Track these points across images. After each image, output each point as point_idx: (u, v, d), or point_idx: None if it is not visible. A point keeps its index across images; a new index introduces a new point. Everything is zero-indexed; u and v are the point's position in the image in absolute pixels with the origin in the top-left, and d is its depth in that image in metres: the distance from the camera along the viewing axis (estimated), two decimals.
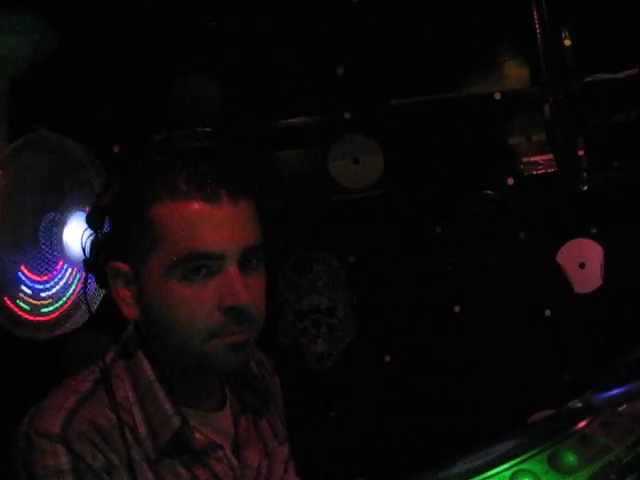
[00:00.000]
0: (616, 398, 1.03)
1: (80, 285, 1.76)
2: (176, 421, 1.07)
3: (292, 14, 2.18)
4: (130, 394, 1.09)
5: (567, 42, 2.11)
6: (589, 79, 2.15)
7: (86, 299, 1.26)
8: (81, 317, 1.75)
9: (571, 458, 0.88)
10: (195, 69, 2.21)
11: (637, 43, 2.12)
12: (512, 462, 0.88)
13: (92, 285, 1.76)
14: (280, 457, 1.25)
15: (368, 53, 2.22)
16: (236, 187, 1.05)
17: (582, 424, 0.93)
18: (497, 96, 2.20)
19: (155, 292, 1.05)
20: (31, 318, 1.75)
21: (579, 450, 0.89)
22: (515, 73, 2.29)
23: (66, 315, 1.74)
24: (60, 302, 1.74)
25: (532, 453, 0.88)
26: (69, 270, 1.76)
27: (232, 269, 1.04)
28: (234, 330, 1.05)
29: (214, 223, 1.03)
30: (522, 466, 0.87)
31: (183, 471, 1.09)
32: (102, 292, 1.74)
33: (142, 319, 1.09)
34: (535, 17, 2.12)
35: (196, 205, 1.03)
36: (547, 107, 2.11)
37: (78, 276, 1.76)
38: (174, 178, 1.04)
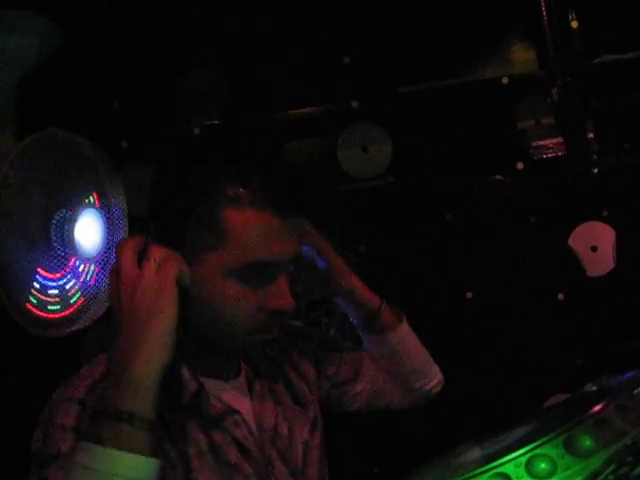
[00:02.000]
0: (631, 381, 1.03)
1: (93, 281, 1.77)
2: (193, 386, 1.16)
3: (298, 2, 2.18)
4: None
5: (574, 24, 2.10)
6: (597, 61, 2.13)
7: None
8: (94, 313, 1.76)
9: (587, 442, 0.88)
10: (201, 62, 2.21)
11: None
12: (528, 447, 0.88)
13: (105, 280, 1.77)
14: (302, 420, 1.31)
15: (374, 41, 2.21)
16: (300, 202, 1.14)
17: (597, 408, 0.93)
18: (505, 80, 2.19)
19: (209, 286, 1.11)
20: (43, 315, 1.76)
21: (595, 434, 0.89)
22: (522, 57, 2.28)
23: (77, 313, 1.75)
24: (73, 299, 1.75)
25: (548, 438, 0.88)
26: (81, 267, 1.77)
27: (283, 276, 1.13)
28: (271, 328, 1.15)
29: (280, 235, 1.11)
30: (538, 451, 0.87)
31: (201, 435, 1.15)
32: None
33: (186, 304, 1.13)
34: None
35: (268, 216, 1.09)
36: (555, 90, 2.10)
37: (90, 272, 1.77)
38: (251, 186, 1.09)
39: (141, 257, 1.04)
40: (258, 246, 1.09)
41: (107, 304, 1.80)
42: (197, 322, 1.13)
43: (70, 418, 1.09)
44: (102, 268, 1.78)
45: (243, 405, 1.23)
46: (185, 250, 1.09)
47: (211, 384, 1.20)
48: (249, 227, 1.09)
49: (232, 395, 1.22)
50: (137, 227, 1.72)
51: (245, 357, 1.26)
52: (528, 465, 0.86)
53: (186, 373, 1.17)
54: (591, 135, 2.07)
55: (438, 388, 1.57)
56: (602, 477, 0.85)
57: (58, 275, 1.75)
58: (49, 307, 1.70)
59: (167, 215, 1.14)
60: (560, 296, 2.23)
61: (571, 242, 2.20)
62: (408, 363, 1.50)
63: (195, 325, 1.13)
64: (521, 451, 0.87)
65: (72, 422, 1.08)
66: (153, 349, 1.00)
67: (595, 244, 2.19)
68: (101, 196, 1.78)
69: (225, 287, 1.11)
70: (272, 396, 1.28)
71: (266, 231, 1.10)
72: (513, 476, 0.86)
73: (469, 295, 2.26)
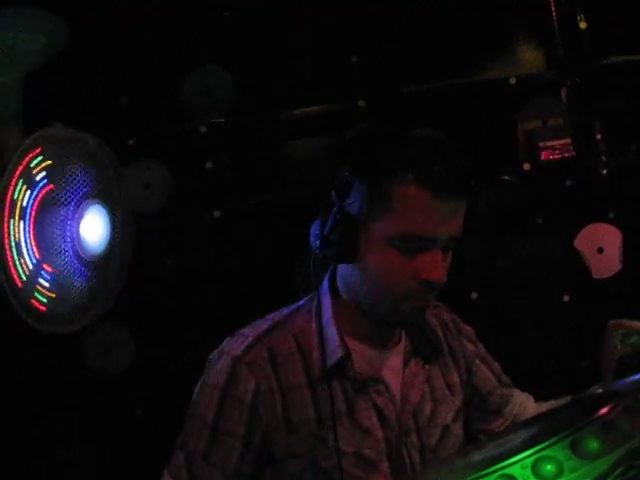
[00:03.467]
0: (638, 384, 1.02)
1: (97, 278, 1.77)
2: (340, 351, 1.28)
3: (306, 1, 2.18)
4: (313, 325, 1.31)
5: (583, 25, 2.09)
6: (605, 62, 2.13)
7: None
8: (101, 309, 1.76)
9: (594, 444, 0.87)
10: (208, 59, 2.21)
11: None
12: (535, 449, 0.87)
13: (110, 277, 1.77)
14: (449, 405, 1.40)
15: (382, 40, 2.21)
16: (464, 187, 1.25)
17: (604, 410, 0.92)
18: (512, 81, 2.19)
19: (371, 251, 1.24)
20: (49, 311, 1.76)
21: (602, 436, 0.88)
22: (530, 57, 2.27)
23: (84, 308, 1.75)
24: (78, 296, 1.75)
25: (555, 440, 0.88)
26: (86, 263, 1.77)
27: (438, 251, 1.24)
28: (422, 297, 1.26)
29: (438, 215, 1.21)
30: (545, 453, 0.87)
31: (340, 397, 1.28)
32: (120, 283, 1.75)
33: (353, 267, 1.27)
34: (550, 0, 2.09)
35: (433, 197, 1.21)
36: (564, 91, 2.09)
37: (95, 269, 1.76)
38: (426, 167, 1.21)
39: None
40: (416, 220, 1.21)
41: (111, 301, 1.80)
42: (360, 284, 1.27)
43: (220, 377, 1.26)
44: (106, 264, 1.78)
45: (393, 376, 1.33)
46: (357, 217, 1.23)
47: (365, 350, 1.31)
48: (410, 203, 1.21)
49: (384, 364, 1.33)
50: (144, 225, 1.72)
51: (400, 326, 1.35)
52: (534, 467, 0.86)
53: (336, 339, 1.29)
54: (599, 136, 2.07)
55: None
56: (610, 479, 0.85)
57: (64, 272, 1.75)
58: (54, 303, 1.70)
59: (347, 186, 1.25)
60: (565, 298, 2.22)
61: (577, 244, 2.19)
62: None
63: (358, 286, 1.27)
64: (527, 452, 0.87)
65: (219, 382, 1.26)
66: None
67: (601, 246, 2.19)
68: (107, 193, 1.78)
69: (385, 254, 1.23)
70: (425, 375, 1.37)
71: (424, 208, 1.21)
72: (519, 477, 0.86)
73: (474, 295, 2.25)
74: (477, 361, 1.52)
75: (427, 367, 1.38)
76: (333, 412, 1.25)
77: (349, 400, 1.29)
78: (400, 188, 1.21)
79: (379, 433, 1.29)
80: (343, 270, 1.31)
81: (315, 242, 1.27)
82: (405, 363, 1.36)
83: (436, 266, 1.24)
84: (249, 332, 1.32)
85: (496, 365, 1.57)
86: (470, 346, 1.52)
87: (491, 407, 1.52)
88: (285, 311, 1.36)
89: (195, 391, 1.32)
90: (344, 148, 1.30)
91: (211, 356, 1.33)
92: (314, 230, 1.28)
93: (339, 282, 1.33)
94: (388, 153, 1.24)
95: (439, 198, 1.21)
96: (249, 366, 1.26)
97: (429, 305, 1.30)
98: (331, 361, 1.28)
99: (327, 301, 1.33)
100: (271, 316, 1.36)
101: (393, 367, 1.35)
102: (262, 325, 1.33)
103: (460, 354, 1.48)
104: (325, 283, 1.36)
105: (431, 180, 1.21)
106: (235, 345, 1.30)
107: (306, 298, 1.38)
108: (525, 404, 1.57)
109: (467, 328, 1.55)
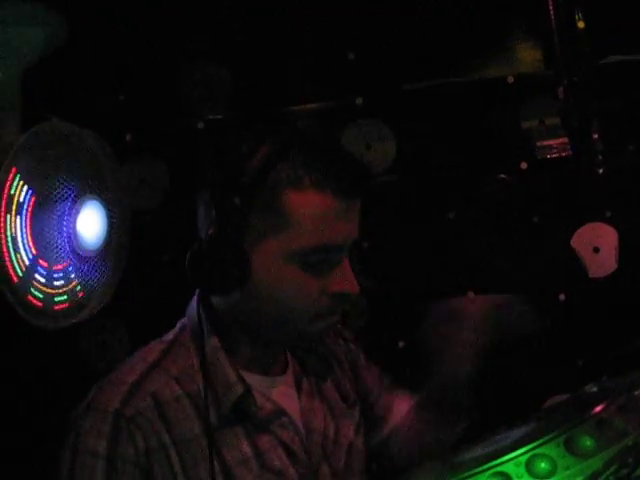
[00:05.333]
0: (633, 383, 1.03)
1: (94, 274, 1.77)
2: (239, 388, 1.11)
3: None
4: (195, 362, 1.12)
5: (581, 24, 2.09)
6: (603, 61, 2.13)
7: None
8: (97, 305, 1.75)
9: (588, 442, 0.87)
10: (206, 55, 2.20)
11: None
12: (528, 446, 0.87)
13: (107, 273, 1.77)
14: (349, 420, 1.27)
15: (379, 38, 2.20)
16: (364, 184, 1.11)
17: (598, 408, 0.93)
18: (510, 80, 2.19)
19: (270, 272, 1.08)
20: (45, 307, 1.76)
21: (596, 434, 0.88)
22: (528, 56, 2.27)
23: (79, 304, 1.75)
24: (74, 292, 1.75)
25: (548, 437, 0.88)
26: (83, 259, 1.77)
27: (346, 259, 1.11)
28: (334, 312, 1.12)
29: (342, 217, 1.08)
30: (538, 450, 0.87)
31: (245, 440, 1.11)
32: (117, 279, 1.75)
33: (241, 292, 1.09)
34: None
35: (329, 198, 1.06)
36: (561, 90, 2.09)
37: (92, 265, 1.76)
38: (312, 168, 1.06)
39: None
40: (321, 229, 1.07)
41: (107, 297, 1.80)
42: (256, 310, 1.11)
43: (99, 440, 1.05)
44: (103, 260, 1.78)
45: (291, 404, 1.19)
46: (246, 237, 1.07)
47: (259, 381, 1.16)
48: (311, 210, 1.07)
49: (281, 393, 1.19)
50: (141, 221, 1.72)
51: (305, 346, 1.22)
52: (528, 464, 0.86)
53: (231, 374, 1.12)
54: (596, 136, 2.07)
55: None
56: (603, 478, 0.85)
57: (60, 267, 1.75)
58: (51, 299, 1.70)
59: (228, 202, 1.08)
60: (561, 296, 2.22)
61: (573, 243, 2.20)
62: None
63: (253, 313, 1.11)
64: (521, 450, 0.87)
65: (99, 448, 1.05)
66: None
67: (598, 245, 2.19)
68: (104, 189, 1.78)
69: (287, 272, 1.08)
70: (320, 394, 1.24)
71: (328, 214, 1.07)
72: (513, 475, 0.86)
73: (470, 294, 2.25)
74: (361, 363, 1.38)
75: (321, 386, 1.25)
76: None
77: (254, 442, 1.11)
78: (295, 195, 1.06)
79: (292, 472, 1.14)
80: (228, 297, 1.11)
81: (194, 274, 1.08)
82: (298, 388, 1.21)
83: (348, 276, 1.10)
84: (123, 377, 1.11)
85: (376, 367, 1.41)
86: (353, 350, 1.38)
87: (378, 414, 1.37)
88: (157, 348, 1.17)
89: (63, 464, 1.08)
90: (219, 162, 1.13)
91: (76, 415, 1.10)
92: (191, 260, 1.08)
93: (220, 309, 1.15)
94: (273, 159, 1.07)
95: (340, 199, 1.07)
96: (133, 421, 1.05)
97: (337, 323, 1.15)
98: (229, 401, 1.10)
99: (206, 330, 1.13)
100: (141, 354, 1.16)
101: (288, 394, 1.20)
102: (135, 367, 1.13)
103: (344, 359, 1.35)
104: (193, 311, 1.17)
105: (329, 181, 1.06)
106: (110, 396, 1.08)
107: (174, 331, 1.20)
108: (401, 412, 1.38)
109: (345, 331, 1.41)
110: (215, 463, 1.07)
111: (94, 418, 1.07)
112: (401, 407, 1.37)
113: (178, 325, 1.21)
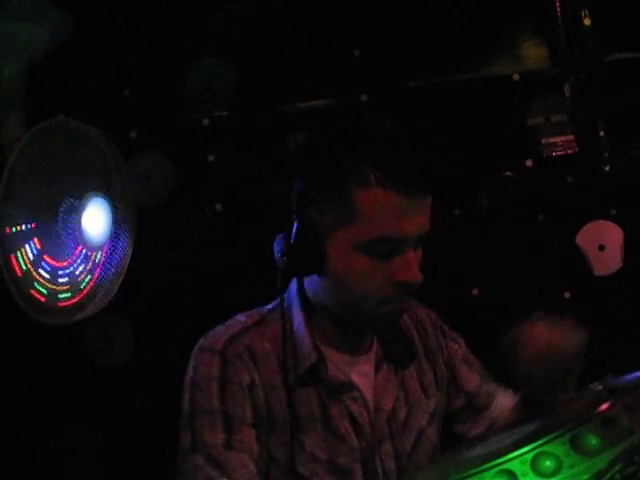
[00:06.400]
0: (638, 381, 1.02)
1: (99, 270, 1.77)
2: (313, 356, 1.25)
3: None
4: (285, 330, 1.26)
5: (587, 21, 2.09)
6: (609, 58, 2.12)
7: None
8: (101, 301, 1.76)
9: (594, 441, 0.87)
10: (211, 52, 2.20)
11: None
12: (534, 444, 0.87)
13: (112, 269, 1.77)
14: (424, 408, 1.36)
15: (385, 35, 2.20)
16: (427, 184, 1.20)
17: (604, 407, 0.92)
18: (516, 77, 2.18)
19: (341, 260, 1.20)
20: (49, 303, 1.76)
21: (602, 433, 0.88)
22: (534, 54, 2.27)
23: (85, 300, 1.75)
24: (79, 288, 1.75)
25: (554, 435, 0.87)
26: (88, 255, 1.77)
27: (411, 251, 1.20)
28: (400, 299, 1.23)
29: (407, 215, 1.18)
30: (544, 448, 0.87)
31: (316, 402, 1.26)
32: (122, 275, 1.75)
33: (321, 277, 1.23)
34: None
35: (393, 196, 1.17)
36: (567, 87, 2.09)
37: (97, 261, 1.77)
38: (386, 167, 1.17)
39: None
40: (384, 224, 1.17)
41: (112, 293, 1.80)
42: (332, 294, 1.24)
43: (210, 368, 1.23)
44: (108, 257, 1.78)
45: (365, 382, 1.30)
46: (321, 228, 1.20)
47: (337, 356, 1.28)
48: (376, 206, 1.17)
49: (356, 370, 1.30)
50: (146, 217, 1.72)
51: (377, 331, 1.33)
52: (533, 462, 0.86)
53: (308, 343, 1.25)
54: (602, 133, 2.06)
55: None
56: (608, 476, 0.85)
57: (65, 263, 1.76)
58: (55, 295, 1.70)
59: (305, 197, 1.21)
60: (566, 294, 2.22)
61: (579, 240, 2.19)
62: None
63: (330, 297, 1.24)
64: (527, 448, 0.87)
65: (212, 372, 1.23)
66: None
67: (603, 243, 2.18)
68: (109, 185, 1.78)
69: (355, 261, 1.19)
70: (398, 379, 1.34)
71: (392, 210, 1.17)
72: (518, 473, 0.85)
73: (475, 292, 2.25)
74: (459, 359, 1.47)
75: (400, 372, 1.35)
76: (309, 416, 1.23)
77: (324, 405, 1.26)
78: (362, 192, 1.17)
79: (354, 441, 1.26)
80: (312, 280, 1.27)
81: (280, 257, 1.23)
82: (377, 369, 1.32)
83: (410, 267, 1.20)
84: (224, 330, 1.29)
85: (478, 362, 1.52)
86: (450, 344, 1.47)
87: (477, 406, 1.46)
88: (256, 313, 1.33)
89: (186, 393, 1.26)
90: (296, 158, 1.27)
91: (192, 356, 1.28)
92: (277, 245, 1.24)
93: (308, 291, 1.30)
94: (343, 158, 1.19)
95: (404, 197, 1.17)
96: (236, 358, 1.24)
97: (407, 307, 1.28)
98: (304, 366, 1.25)
99: (296, 308, 1.29)
100: (242, 318, 1.32)
101: (365, 373, 1.31)
102: (235, 325, 1.29)
103: (438, 353, 1.44)
104: (293, 290, 1.32)
105: (393, 180, 1.16)
106: (213, 341, 1.26)
107: (275, 302, 1.34)
108: (503, 407, 1.47)
109: (446, 326, 1.50)
110: (288, 413, 1.23)
111: (204, 355, 1.25)
112: (503, 402, 1.47)
113: (279, 299, 1.32)
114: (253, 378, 1.23)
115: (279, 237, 1.24)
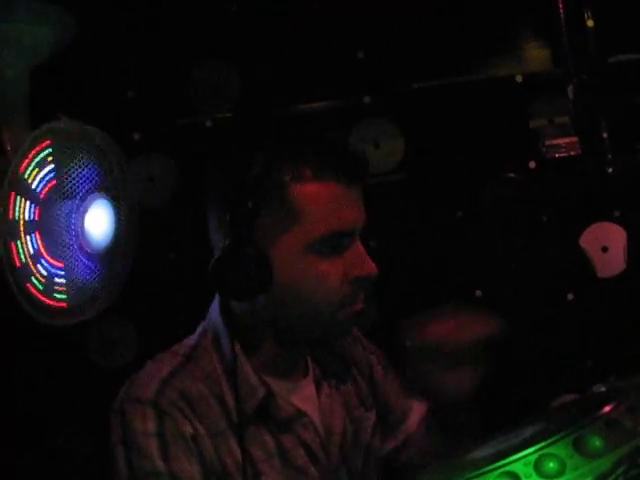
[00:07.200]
0: None
1: (100, 272, 1.77)
2: (261, 391, 1.15)
3: None
4: (218, 366, 1.16)
5: (590, 22, 2.08)
6: (612, 60, 2.12)
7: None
8: (102, 303, 1.76)
9: (597, 442, 0.87)
10: (214, 54, 2.21)
11: None
12: (537, 446, 0.87)
13: (113, 272, 1.77)
14: (367, 423, 1.30)
15: (388, 36, 2.20)
16: (363, 170, 1.16)
17: (608, 409, 0.92)
18: (519, 78, 2.18)
19: (289, 267, 1.11)
20: (46, 300, 1.75)
21: (605, 435, 0.88)
22: (537, 55, 2.27)
23: (86, 301, 1.75)
24: (78, 289, 1.75)
25: (557, 437, 0.87)
26: (89, 257, 1.77)
27: (358, 243, 1.15)
28: (357, 299, 1.15)
29: (350, 203, 1.14)
30: (547, 450, 0.87)
31: (269, 438, 1.16)
32: (124, 277, 1.75)
33: (261, 296, 1.11)
34: None
35: (332, 186, 1.12)
36: (571, 89, 2.08)
37: (99, 264, 1.77)
38: (310, 161, 1.11)
39: None
40: (329, 217, 1.11)
41: (114, 295, 1.80)
42: (281, 309, 1.14)
43: (145, 423, 1.09)
44: (110, 259, 1.78)
45: (311, 407, 1.22)
46: (262, 239, 1.10)
47: (279, 386, 1.19)
48: (317, 201, 1.11)
49: (300, 396, 1.22)
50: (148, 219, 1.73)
51: (331, 340, 1.24)
52: (537, 464, 0.86)
53: (253, 378, 1.15)
54: (605, 134, 2.06)
55: None
56: (612, 478, 0.85)
57: (64, 264, 1.75)
58: (56, 295, 1.70)
59: (237, 207, 1.10)
60: (570, 296, 2.22)
61: (582, 242, 2.19)
62: None
63: (278, 313, 1.15)
64: (530, 450, 0.87)
65: (148, 428, 1.09)
66: None
67: (606, 245, 2.18)
68: (112, 187, 1.78)
69: (306, 264, 1.12)
70: (340, 397, 1.27)
71: (332, 201, 1.12)
72: (521, 475, 0.85)
73: (478, 293, 2.25)
74: (379, 367, 1.40)
75: (341, 388, 1.28)
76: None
77: (277, 440, 1.16)
78: (300, 189, 1.10)
79: (313, 472, 1.18)
80: (250, 302, 1.14)
81: (218, 284, 1.08)
82: (318, 391, 1.25)
83: (364, 259, 1.14)
84: (150, 375, 1.15)
85: (395, 375, 1.42)
86: (369, 356, 1.40)
87: (395, 419, 1.38)
88: (180, 352, 1.20)
89: (118, 457, 1.10)
90: (215, 178, 1.18)
91: (115, 411, 1.13)
92: (214, 270, 1.09)
93: (239, 314, 1.18)
94: (271, 160, 1.11)
95: (344, 186, 1.12)
96: (171, 407, 1.10)
97: (361, 309, 1.18)
98: (252, 403, 1.13)
99: (226, 336, 1.16)
100: (164, 358, 1.19)
101: (309, 398, 1.23)
102: (162, 368, 1.16)
103: (363, 362, 1.37)
104: (214, 316, 1.21)
105: (331, 169, 1.11)
106: (143, 389, 1.13)
107: (195, 336, 1.22)
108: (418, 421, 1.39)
109: (364, 338, 1.43)
110: (242, 457, 1.11)
111: (135, 407, 1.11)
112: (417, 414, 1.39)
113: (198, 329, 1.23)
114: (196, 428, 1.10)
115: (213, 262, 1.09)
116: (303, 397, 1.22)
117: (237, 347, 1.15)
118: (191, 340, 1.22)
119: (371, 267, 1.15)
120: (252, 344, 1.18)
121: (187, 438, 1.10)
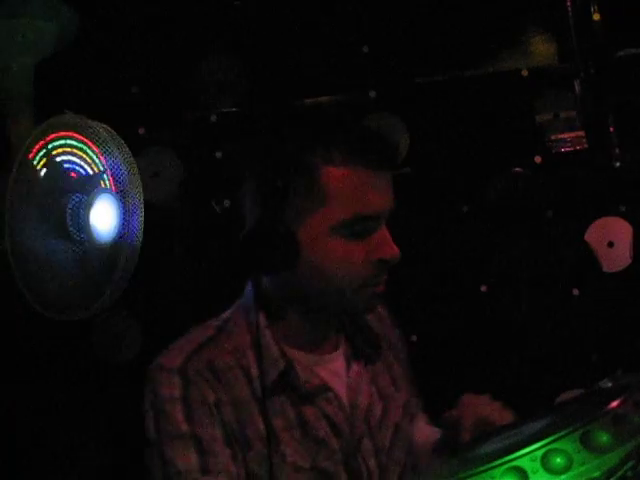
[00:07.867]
0: None
1: (108, 266, 1.77)
2: (281, 363, 1.19)
3: None
4: (247, 338, 1.21)
5: (596, 17, 2.08)
6: (619, 54, 2.11)
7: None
8: (108, 299, 1.76)
9: (604, 437, 0.86)
10: (219, 48, 2.20)
11: None
12: (544, 441, 0.86)
13: (119, 266, 1.78)
14: (397, 402, 1.33)
15: (394, 31, 2.20)
16: (393, 157, 1.20)
17: (615, 404, 0.92)
18: (524, 73, 2.18)
19: (315, 247, 1.15)
20: (60, 298, 1.76)
21: (612, 430, 0.87)
22: (543, 49, 2.26)
23: (95, 295, 1.75)
24: (85, 284, 1.75)
25: (564, 432, 0.87)
26: (95, 252, 1.77)
27: (384, 227, 1.18)
28: (379, 280, 1.19)
29: (377, 189, 1.16)
30: (554, 445, 0.86)
31: (290, 408, 1.20)
32: (130, 272, 1.75)
33: (293, 269, 1.16)
34: None
35: (360, 171, 1.14)
36: (577, 83, 2.08)
37: (105, 258, 1.77)
38: (341, 145, 1.14)
39: None
40: (356, 201, 1.14)
41: (120, 291, 1.80)
42: (305, 285, 1.18)
43: (171, 389, 1.16)
44: (116, 254, 1.78)
45: (338, 382, 1.25)
46: (291, 217, 1.14)
47: (306, 358, 1.23)
48: (345, 184, 1.14)
49: (327, 370, 1.25)
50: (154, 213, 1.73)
51: (353, 316, 1.28)
52: (544, 459, 0.85)
53: (274, 349, 1.20)
54: (612, 129, 2.06)
55: None
56: (620, 473, 0.84)
57: (72, 259, 1.76)
58: (67, 291, 1.70)
59: (269, 186, 1.15)
60: (575, 291, 2.21)
61: (588, 237, 2.19)
62: None
63: (303, 289, 1.19)
64: (537, 445, 0.86)
65: (174, 393, 1.15)
66: None
67: (612, 240, 2.18)
68: (117, 182, 1.78)
69: (331, 245, 1.15)
70: (369, 375, 1.30)
71: (362, 185, 1.14)
72: (528, 470, 0.85)
73: (484, 288, 2.25)
74: (402, 362, 1.41)
75: (370, 367, 1.30)
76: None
77: (299, 411, 1.20)
78: (330, 172, 1.14)
79: (334, 444, 1.21)
80: (277, 276, 1.19)
81: (248, 259, 1.15)
82: (348, 366, 1.27)
83: (388, 242, 1.17)
84: (180, 347, 1.20)
85: (410, 372, 1.44)
86: (397, 332, 1.43)
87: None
88: (212, 325, 1.25)
89: (149, 420, 1.18)
90: (251, 156, 1.23)
91: (147, 377, 1.20)
92: (244, 244, 1.15)
93: (270, 289, 1.22)
94: (304, 141, 1.16)
95: (372, 171, 1.15)
96: (197, 376, 1.16)
97: (383, 289, 1.22)
98: (272, 374, 1.18)
99: (256, 311, 1.21)
100: (198, 330, 1.24)
101: (337, 372, 1.26)
102: (193, 340, 1.21)
103: (398, 345, 1.41)
104: (248, 293, 1.26)
105: (360, 154, 1.14)
106: (170, 359, 1.18)
107: (230, 311, 1.27)
108: (422, 434, 1.38)
109: (388, 314, 1.45)
110: (262, 426, 1.16)
111: (163, 375, 1.17)
112: (421, 429, 1.39)
113: (235, 304, 1.28)
114: (219, 396, 1.16)
115: (243, 237, 1.15)
116: (330, 370, 1.25)
117: (262, 318, 1.20)
118: (226, 314, 1.27)
119: (394, 250, 1.17)
120: (278, 316, 1.22)
121: (210, 405, 1.15)
